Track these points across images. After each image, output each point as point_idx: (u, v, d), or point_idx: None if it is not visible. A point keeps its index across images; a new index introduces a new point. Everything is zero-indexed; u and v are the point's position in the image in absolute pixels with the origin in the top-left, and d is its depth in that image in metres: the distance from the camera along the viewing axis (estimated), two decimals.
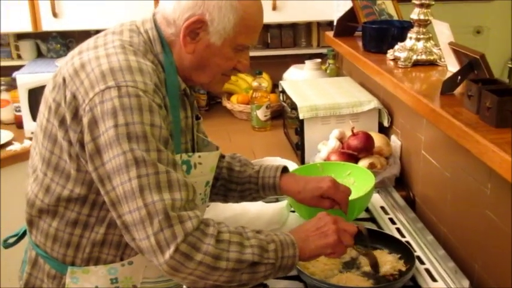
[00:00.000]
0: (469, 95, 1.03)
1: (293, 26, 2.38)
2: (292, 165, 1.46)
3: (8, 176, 1.85)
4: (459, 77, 1.14)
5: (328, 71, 2.17)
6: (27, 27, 2.13)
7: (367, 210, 1.37)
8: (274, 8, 2.17)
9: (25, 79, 2.01)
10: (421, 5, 1.39)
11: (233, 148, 1.82)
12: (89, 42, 0.95)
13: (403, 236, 1.24)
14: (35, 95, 1.98)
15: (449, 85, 1.16)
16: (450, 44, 1.24)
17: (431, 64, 1.41)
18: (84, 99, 0.86)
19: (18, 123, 2.12)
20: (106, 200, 0.87)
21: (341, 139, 1.60)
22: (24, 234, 1.08)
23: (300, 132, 1.65)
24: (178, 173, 0.87)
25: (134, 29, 0.95)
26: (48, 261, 0.98)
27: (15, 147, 1.91)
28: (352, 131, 1.53)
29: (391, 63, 1.46)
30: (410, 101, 1.23)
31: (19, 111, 2.07)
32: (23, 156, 1.84)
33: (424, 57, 1.40)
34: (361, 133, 1.52)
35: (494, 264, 1.05)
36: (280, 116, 2.01)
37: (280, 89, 1.91)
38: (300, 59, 2.26)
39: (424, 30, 1.41)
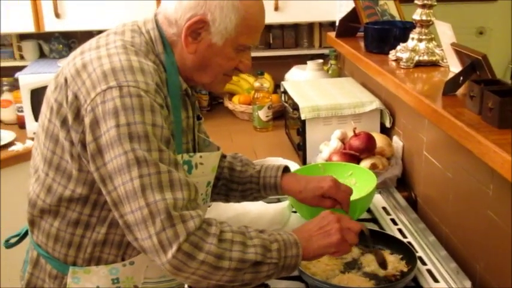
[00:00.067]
0: (471, 96, 1.03)
1: (295, 27, 2.38)
2: (293, 166, 1.46)
3: (10, 176, 1.85)
4: (461, 78, 1.14)
5: (330, 72, 2.17)
6: (29, 28, 2.14)
7: (369, 210, 1.37)
8: (276, 8, 2.17)
9: (27, 79, 2.02)
10: (423, 6, 1.38)
11: (235, 148, 1.81)
12: (91, 42, 0.95)
13: (405, 237, 1.24)
14: (37, 95, 1.99)
15: (452, 86, 1.16)
16: (452, 44, 1.24)
17: (434, 65, 1.40)
18: (85, 99, 0.86)
19: (20, 124, 2.12)
20: (108, 199, 0.87)
21: (343, 140, 1.59)
22: (25, 234, 1.08)
23: (302, 132, 1.65)
24: (180, 172, 0.87)
25: (136, 29, 0.96)
26: (49, 261, 0.98)
27: (18, 147, 1.92)
28: (354, 131, 1.53)
29: (393, 63, 1.46)
30: (412, 101, 1.23)
31: (21, 111, 2.08)
32: (25, 156, 1.84)
33: (426, 57, 1.40)
34: (363, 134, 1.52)
35: (496, 265, 1.05)
36: (282, 117, 2.01)
37: (282, 90, 1.91)
38: (301, 60, 2.26)
39: (426, 31, 1.41)
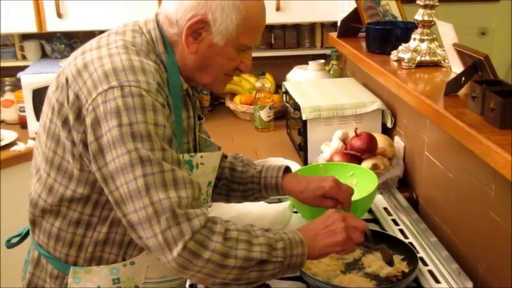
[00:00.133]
0: (473, 96, 1.03)
1: (297, 27, 2.38)
2: (295, 166, 1.46)
3: (12, 176, 1.86)
4: (463, 78, 1.14)
5: (331, 72, 2.17)
6: (31, 28, 2.14)
7: (370, 211, 1.37)
8: (277, 8, 2.17)
9: (29, 79, 2.02)
10: (425, 6, 1.38)
11: (236, 148, 1.81)
12: (92, 42, 0.95)
13: (406, 237, 1.24)
14: (39, 95, 1.99)
15: (453, 86, 1.15)
16: (454, 45, 1.23)
17: (435, 65, 1.40)
18: (87, 99, 0.86)
19: (22, 124, 2.13)
20: (110, 199, 0.87)
21: (344, 140, 1.59)
22: (27, 234, 1.08)
23: (303, 133, 1.65)
24: (183, 171, 0.87)
25: (137, 29, 0.96)
26: (50, 261, 0.98)
27: (19, 147, 1.92)
28: (356, 131, 1.53)
29: (395, 64, 1.46)
30: (414, 102, 1.22)
31: (23, 111, 2.08)
32: (27, 156, 1.84)
33: (428, 58, 1.40)
34: (364, 134, 1.52)
35: (498, 266, 1.05)
36: (283, 117, 2.01)
37: (283, 90, 1.91)
38: (303, 60, 2.26)
39: (428, 31, 1.41)
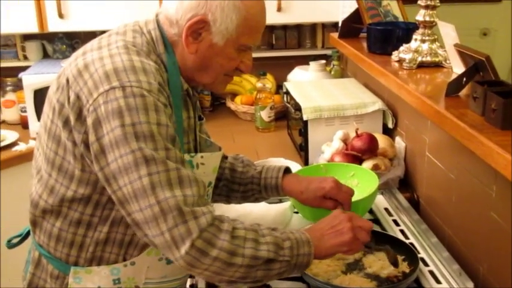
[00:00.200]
0: (474, 97, 1.03)
1: (298, 27, 2.38)
2: (295, 166, 1.46)
3: (13, 176, 1.86)
4: (464, 79, 1.14)
5: (332, 72, 2.17)
6: (33, 28, 2.15)
7: (371, 211, 1.36)
8: (279, 9, 2.17)
9: (31, 80, 2.02)
10: (427, 7, 1.38)
11: (237, 149, 1.81)
12: (93, 43, 0.96)
13: (407, 238, 1.24)
14: (40, 95, 1.99)
15: (455, 87, 1.15)
16: (455, 45, 1.23)
17: (437, 66, 1.40)
18: (88, 100, 0.86)
19: (23, 124, 2.13)
20: (114, 198, 0.87)
21: (345, 140, 1.59)
22: (28, 234, 1.08)
23: (304, 133, 1.65)
24: (187, 169, 0.87)
25: (137, 29, 0.96)
26: (51, 261, 0.98)
27: (21, 147, 1.92)
28: (356, 132, 1.53)
29: (396, 64, 1.46)
30: (415, 102, 1.22)
31: (25, 111, 2.09)
32: (28, 156, 1.85)
33: (429, 58, 1.40)
34: (365, 134, 1.52)
35: (500, 267, 1.04)
36: (284, 117, 2.01)
37: (284, 90, 1.91)
38: (304, 60, 2.25)
39: (429, 31, 1.41)
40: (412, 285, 1.06)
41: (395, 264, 1.06)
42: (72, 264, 0.96)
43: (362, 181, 1.33)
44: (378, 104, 1.64)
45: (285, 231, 0.91)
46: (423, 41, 1.41)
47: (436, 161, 1.33)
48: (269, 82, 2.10)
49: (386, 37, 1.56)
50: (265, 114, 2.02)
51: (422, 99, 1.17)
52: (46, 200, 0.95)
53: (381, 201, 1.42)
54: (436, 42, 1.41)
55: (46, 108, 0.96)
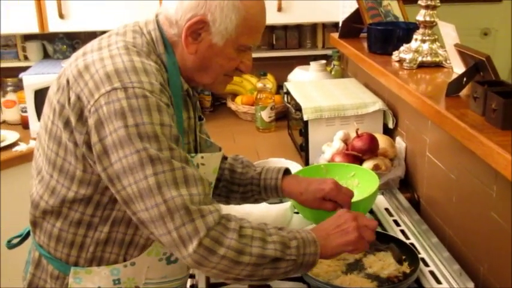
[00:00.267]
0: (475, 97, 1.02)
1: (298, 27, 2.38)
2: (296, 167, 1.46)
3: (13, 176, 1.86)
4: (465, 79, 1.14)
5: (333, 73, 2.17)
6: (33, 29, 2.15)
7: (372, 211, 1.36)
8: (279, 9, 2.17)
9: (31, 80, 2.03)
10: (427, 7, 1.38)
11: (237, 149, 1.82)
12: (93, 43, 0.95)
13: (408, 238, 1.24)
14: (41, 95, 1.99)
15: (455, 87, 1.15)
16: (456, 45, 1.23)
17: (437, 66, 1.40)
18: (89, 101, 0.86)
19: (24, 124, 2.13)
20: (118, 198, 0.87)
21: (345, 140, 1.59)
22: (28, 234, 1.08)
23: (304, 133, 1.65)
24: (191, 168, 0.88)
25: (137, 29, 0.96)
26: (51, 261, 0.98)
27: (21, 147, 1.93)
28: (357, 132, 1.52)
29: (396, 64, 1.46)
30: (415, 102, 1.22)
31: (25, 111, 2.09)
32: (28, 156, 1.85)
33: (429, 58, 1.40)
34: (365, 134, 1.51)
35: (500, 267, 1.04)
36: (285, 117, 2.01)
37: (284, 90, 1.91)
38: (305, 60, 2.25)
39: (429, 31, 1.41)
40: (412, 285, 1.06)
41: (400, 261, 1.06)
42: (72, 265, 0.96)
43: (362, 181, 1.33)
44: (379, 104, 1.64)
45: (292, 231, 0.92)
46: (423, 41, 1.41)
47: (436, 161, 1.33)
48: (269, 82, 2.10)
49: (387, 37, 1.56)
50: (265, 115, 2.02)
51: (422, 99, 1.17)
52: (47, 201, 0.95)
53: (381, 201, 1.42)
54: (437, 42, 1.41)
55: (46, 109, 0.96)
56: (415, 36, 1.43)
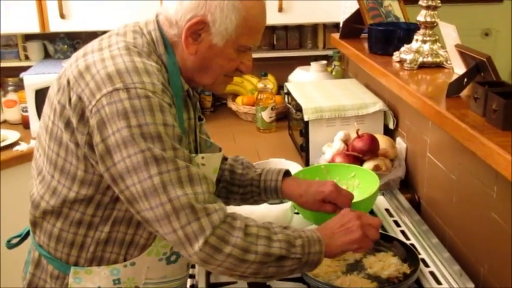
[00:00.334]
0: (476, 98, 1.02)
1: (299, 28, 2.38)
2: (296, 167, 1.46)
3: (14, 176, 1.86)
4: (465, 80, 1.13)
5: (333, 73, 2.17)
6: (34, 28, 2.15)
7: (372, 212, 1.36)
8: (280, 9, 2.17)
9: (32, 80, 2.03)
10: (428, 7, 1.38)
11: (238, 149, 1.82)
12: (93, 44, 0.96)
13: (408, 239, 1.24)
14: (42, 95, 2.00)
15: (456, 87, 1.15)
16: (456, 46, 1.23)
17: (438, 66, 1.40)
18: (90, 101, 0.86)
19: (25, 124, 2.13)
20: (121, 197, 0.87)
21: (346, 141, 1.59)
22: (27, 234, 1.09)
23: (305, 133, 1.65)
24: (195, 167, 0.88)
25: (137, 30, 0.96)
26: (51, 261, 0.98)
27: (22, 147, 1.93)
28: (357, 133, 1.52)
29: (397, 65, 1.46)
30: (416, 103, 1.22)
31: (26, 111, 2.09)
32: (29, 156, 1.84)
33: (430, 59, 1.39)
34: (366, 135, 1.51)
35: (500, 268, 1.04)
36: (285, 118, 2.01)
37: (285, 91, 1.91)
38: (305, 61, 2.25)
39: (430, 32, 1.40)
40: (412, 286, 1.06)
41: (405, 260, 1.06)
42: (72, 264, 0.96)
43: (363, 182, 1.33)
44: (379, 105, 1.64)
45: (296, 230, 0.92)
46: (424, 42, 1.41)
47: (437, 162, 1.33)
48: (270, 83, 2.10)
49: (388, 38, 1.56)
50: (266, 115, 2.02)
51: (423, 100, 1.17)
52: (48, 201, 0.95)
53: (381, 202, 1.41)
54: (437, 43, 1.41)
55: (47, 110, 0.96)
56: (415, 37, 1.43)
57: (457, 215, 1.23)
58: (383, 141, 1.55)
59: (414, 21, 1.50)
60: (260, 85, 2.05)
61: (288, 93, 1.85)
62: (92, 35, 2.14)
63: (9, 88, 2.21)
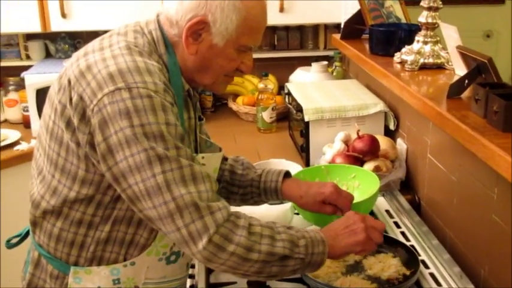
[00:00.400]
0: (476, 99, 1.02)
1: (300, 28, 2.38)
2: (296, 167, 1.45)
3: (14, 176, 1.86)
4: (466, 81, 1.13)
5: (334, 74, 2.17)
6: (36, 28, 2.15)
7: (372, 213, 1.36)
8: (281, 9, 2.17)
9: (33, 79, 2.03)
10: (429, 8, 1.38)
11: (238, 149, 1.82)
12: (94, 43, 0.95)
13: (408, 240, 1.24)
14: (43, 95, 1.99)
15: (457, 88, 1.15)
16: (458, 47, 1.23)
17: (439, 67, 1.40)
18: (91, 100, 0.86)
19: (25, 123, 2.14)
20: (123, 196, 0.87)
21: (346, 142, 1.59)
22: (27, 234, 1.09)
23: (305, 134, 1.65)
24: (198, 166, 0.88)
25: (138, 29, 0.96)
26: (51, 261, 0.98)
27: (23, 146, 1.93)
28: (358, 133, 1.52)
29: (398, 66, 1.45)
30: (416, 104, 1.22)
31: (27, 111, 2.09)
32: (29, 156, 1.82)
33: (431, 60, 1.39)
34: (366, 136, 1.51)
35: (501, 270, 1.04)
36: (286, 118, 2.01)
37: (286, 91, 1.91)
38: (306, 61, 2.25)
39: (431, 33, 1.40)
40: (412, 287, 1.05)
41: (407, 264, 1.07)
42: (72, 264, 0.96)
43: (363, 183, 1.33)
44: (380, 106, 1.64)
45: (300, 230, 0.92)
46: (425, 43, 1.40)
47: (437, 163, 1.32)
48: (271, 83, 2.10)
49: (389, 38, 1.56)
50: (266, 115, 2.02)
51: (424, 101, 1.17)
52: (48, 200, 0.95)
53: (382, 203, 1.41)
54: (439, 44, 1.41)
55: (47, 109, 0.96)
56: (417, 38, 1.43)
57: (458, 216, 1.23)
58: (383, 142, 1.55)
59: (415, 22, 1.50)
60: (261, 85, 2.05)
61: (289, 94, 1.85)
62: (93, 35, 2.13)
63: (10, 87, 2.21)
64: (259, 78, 2.12)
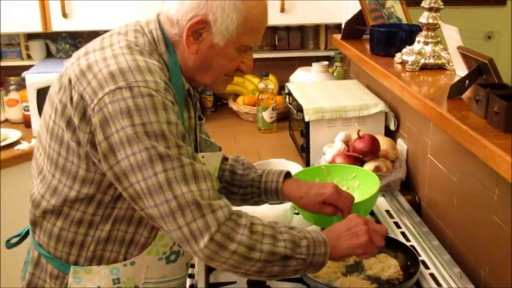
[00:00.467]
0: (477, 100, 1.02)
1: (301, 28, 2.38)
2: (297, 167, 1.45)
3: (15, 175, 1.86)
4: (467, 81, 1.13)
5: (335, 74, 2.17)
6: (37, 28, 2.15)
7: (372, 213, 1.36)
8: (282, 10, 2.17)
9: (34, 79, 2.03)
10: (430, 9, 1.38)
11: (238, 149, 1.82)
12: (94, 43, 0.96)
13: (408, 240, 1.24)
14: (43, 94, 1.98)
15: (457, 89, 1.15)
16: (459, 48, 1.23)
17: (439, 68, 1.40)
18: (92, 99, 0.86)
19: (26, 123, 2.14)
20: (125, 195, 0.87)
21: (347, 142, 1.59)
22: (27, 234, 1.09)
23: (306, 134, 1.65)
24: (199, 164, 0.88)
25: (139, 29, 0.96)
26: (50, 261, 0.98)
27: (23, 146, 1.93)
28: (358, 133, 1.52)
29: (399, 66, 1.45)
30: (417, 104, 1.22)
31: (28, 110, 2.09)
32: (30, 155, 1.82)
33: (432, 61, 1.39)
34: (367, 136, 1.51)
35: (501, 270, 1.04)
36: (286, 118, 2.01)
37: (286, 91, 1.91)
38: (307, 62, 2.25)
39: (432, 34, 1.40)
40: (412, 287, 1.05)
41: (406, 269, 1.06)
42: (72, 264, 0.96)
43: (363, 183, 1.33)
44: (380, 106, 1.64)
45: (302, 231, 0.93)
46: (426, 43, 1.40)
47: (438, 164, 1.32)
48: (271, 83, 2.10)
49: (389, 39, 1.56)
50: (267, 115, 2.02)
51: (424, 102, 1.17)
52: (49, 200, 0.95)
53: (382, 203, 1.41)
54: (439, 45, 1.41)
55: (47, 109, 0.96)
56: (418, 39, 1.43)
57: (458, 217, 1.23)
58: (384, 143, 1.55)
59: (416, 22, 1.50)
60: (261, 85, 2.05)
61: (289, 94, 1.85)
62: (94, 35, 2.12)
63: (11, 87, 2.21)
64: (260, 78, 2.12)
